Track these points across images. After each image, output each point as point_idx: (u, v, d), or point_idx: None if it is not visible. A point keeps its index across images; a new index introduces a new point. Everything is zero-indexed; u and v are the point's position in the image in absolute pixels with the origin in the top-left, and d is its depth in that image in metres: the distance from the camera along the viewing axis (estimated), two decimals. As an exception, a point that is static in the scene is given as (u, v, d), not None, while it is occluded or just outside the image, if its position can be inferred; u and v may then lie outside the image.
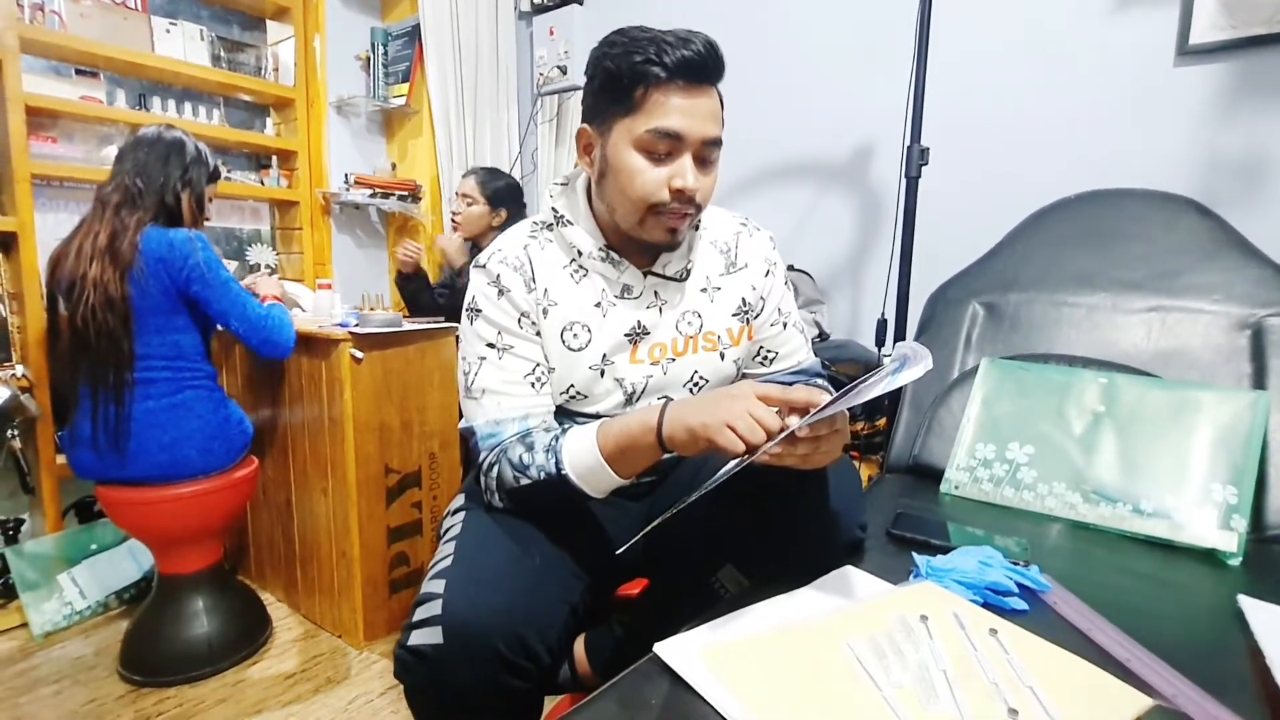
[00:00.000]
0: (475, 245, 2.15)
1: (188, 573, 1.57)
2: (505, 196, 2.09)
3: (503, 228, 2.11)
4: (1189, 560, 0.94)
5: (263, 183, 2.38)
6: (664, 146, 0.78)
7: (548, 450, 0.79)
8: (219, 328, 1.65)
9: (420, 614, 0.74)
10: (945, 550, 0.88)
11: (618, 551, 0.82)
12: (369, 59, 2.54)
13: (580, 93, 2.59)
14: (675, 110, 0.77)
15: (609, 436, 0.77)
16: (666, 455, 0.76)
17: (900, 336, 1.52)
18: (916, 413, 1.33)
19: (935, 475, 1.21)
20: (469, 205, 2.07)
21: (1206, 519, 0.97)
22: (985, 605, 0.75)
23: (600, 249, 0.88)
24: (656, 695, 0.56)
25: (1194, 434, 1.05)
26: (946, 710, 0.56)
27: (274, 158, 2.40)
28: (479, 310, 0.87)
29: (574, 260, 0.89)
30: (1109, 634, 0.72)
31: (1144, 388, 1.12)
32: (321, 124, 2.41)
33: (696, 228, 0.93)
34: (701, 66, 0.77)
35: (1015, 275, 1.38)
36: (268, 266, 2.40)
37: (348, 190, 2.40)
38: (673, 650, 0.61)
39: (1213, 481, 1.00)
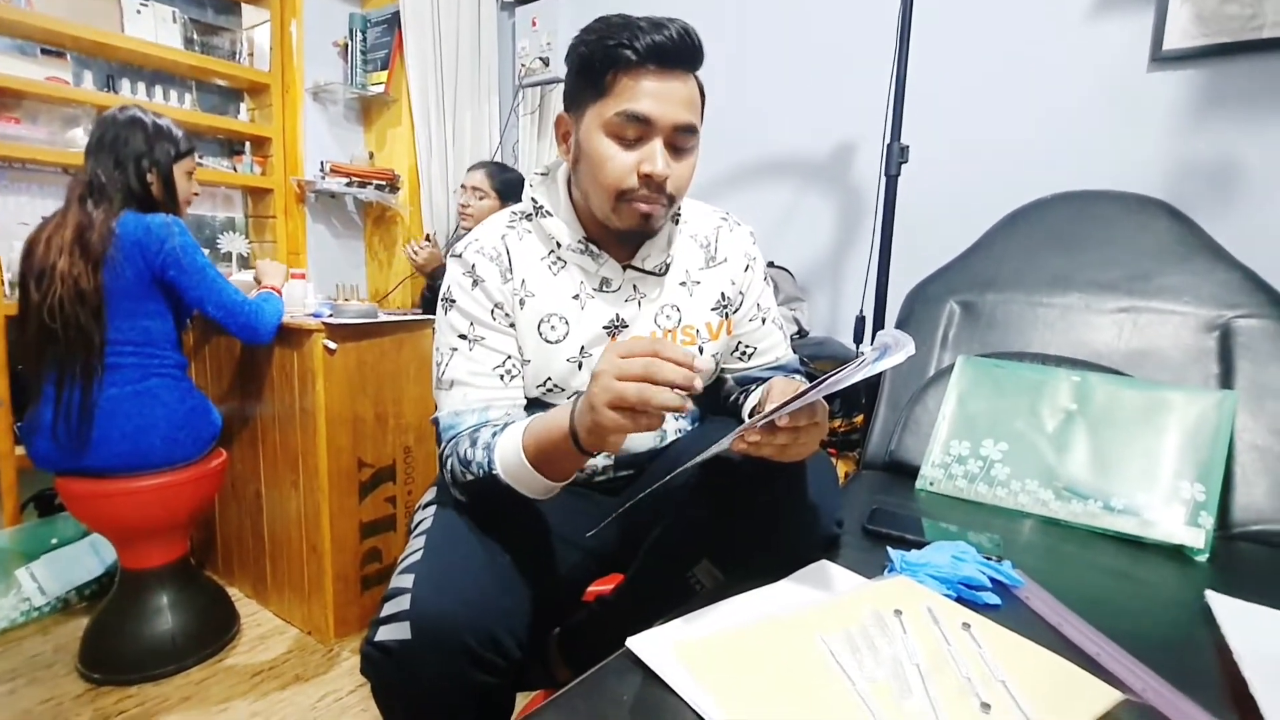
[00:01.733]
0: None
1: (151, 567, 1.53)
2: (514, 191, 2.06)
3: None
4: (1158, 556, 0.96)
5: (235, 169, 2.32)
6: (633, 131, 0.77)
7: (486, 448, 0.76)
8: (189, 320, 1.61)
9: (388, 609, 0.72)
10: (920, 545, 0.88)
11: (588, 534, 0.80)
12: (347, 45, 2.49)
13: (557, 87, 2.58)
14: (645, 94, 0.76)
15: (532, 438, 0.72)
16: (592, 458, 0.72)
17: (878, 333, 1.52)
18: (893, 410, 1.33)
19: (911, 472, 1.22)
20: (480, 199, 2.04)
21: (1175, 516, 0.99)
22: (959, 600, 0.75)
23: (579, 241, 0.87)
24: (628, 690, 0.55)
25: (1164, 432, 1.06)
26: (919, 705, 0.56)
27: (247, 144, 2.34)
28: (453, 301, 0.86)
29: (552, 251, 0.88)
30: (1080, 629, 0.73)
31: (1115, 387, 1.13)
32: (297, 111, 2.36)
33: (676, 221, 0.92)
34: (674, 51, 0.76)
35: (992, 275, 1.39)
36: (240, 255, 2.35)
37: (323, 178, 2.36)
38: (645, 644, 0.60)
39: (1181, 479, 1.01)
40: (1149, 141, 1.47)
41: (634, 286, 0.89)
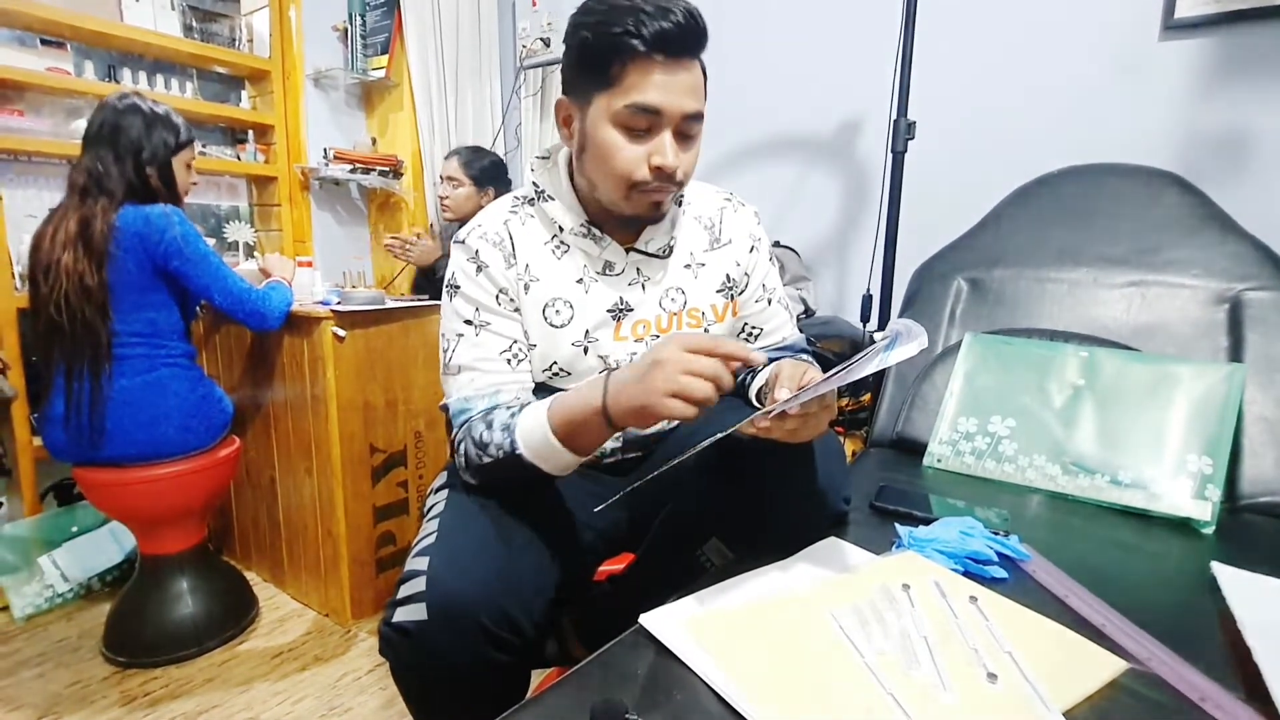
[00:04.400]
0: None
1: (171, 553, 1.56)
2: (491, 176, 2.07)
3: None
4: (1164, 529, 0.96)
5: (239, 158, 2.32)
6: (643, 122, 0.77)
7: (505, 428, 0.76)
8: (199, 309, 1.62)
9: (404, 591, 0.74)
10: (927, 521, 0.89)
11: (595, 510, 0.81)
12: (346, 30, 2.47)
13: (559, 68, 2.56)
14: (654, 85, 0.75)
15: (558, 414, 0.73)
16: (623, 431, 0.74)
17: (885, 312, 1.52)
18: (901, 388, 1.34)
19: (918, 449, 1.22)
20: (455, 188, 2.04)
21: (1182, 489, 0.99)
22: (966, 574, 0.76)
23: (581, 225, 0.87)
24: (642, 665, 0.56)
25: (1171, 406, 1.06)
26: (927, 675, 0.57)
27: (250, 132, 2.34)
28: (458, 287, 0.86)
29: (555, 236, 0.88)
30: (1086, 600, 0.74)
31: (1123, 361, 1.13)
32: (299, 97, 2.35)
33: (680, 203, 0.93)
34: (681, 38, 0.74)
35: (1000, 251, 1.38)
36: (246, 244, 2.36)
37: (327, 165, 2.35)
38: (658, 621, 0.62)
39: (1188, 452, 1.02)
40: (1159, 112, 1.45)
41: (637, 269, 0.90)
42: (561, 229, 0.87)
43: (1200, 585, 0.79)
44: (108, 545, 1.84)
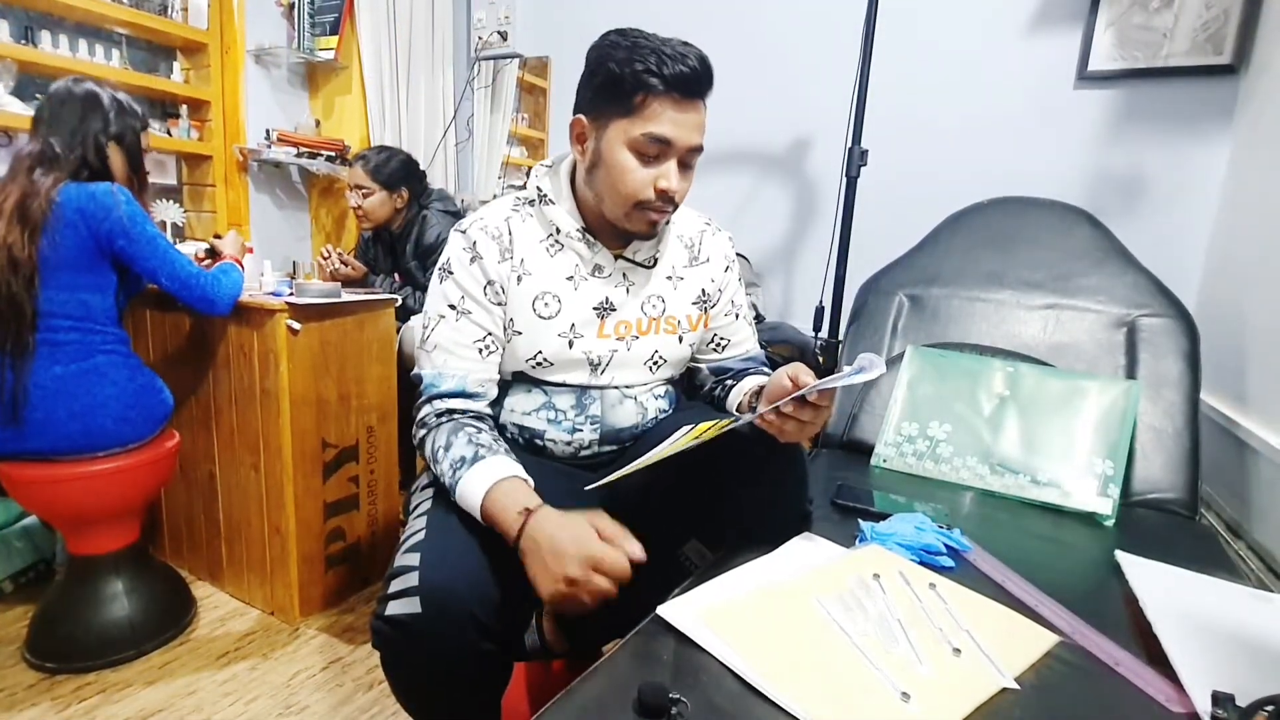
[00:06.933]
0: (385, 229, 2.11)
1: (104, 553, 1.48)
2: (400, 175, 2.03)
3: (408, 207, 2.08)
4: (1074, 521, 1.12)
5: (169, 133, 2.19)
6: (654, 150, 0.85)
7: (453, 467, 0.83)
8: (131, 295, 1.53)
9: (396, 586, 0.77)
10: (882, 517, 0.99)
11: (586, 488, 0.87)
12: (293, 6, 2.36)
13: (513, 62, 2.55)
14: (669, 120, 0.84)
15: (489, 510, 0.79)
16: None
17: (836, 322, 1.64)
18: (849, 394, 1.45)
19: (866, 450, 1.34)
20: (366, 196, 2.01)
21: (1088, 488, 1.15)
22: (922, 564, 0.87)
23: (578, 230, 0.93)
24: (666, 651, 0.63)
25: (1080, 416, 1.22)
26: (904, 652, 0.66)
27: (184, 107, 2.20)
28: (450, 272, 0.92)
29: (551, 235, 0.95)
30: (1019, 584, 0.86)
31: (1041, 376, 1.29)
32: (238, 73, 2.24)
33: (668, 222, 1.00)
34: (695, 81, 0.84)
35: (936, 271, 1.52)
36: (175, 225, 2.22)
37: (270, 147, 2.25)
38: (675, 611, 0.68)
39: (1094, 456, 1.18)
40: (1073, 152, 1.64)
41: (623, 274, 0.97)
42: (558, 230, 0.93)
43: (1107, 570, 0.93)
44: (20, 545, 1.71)
